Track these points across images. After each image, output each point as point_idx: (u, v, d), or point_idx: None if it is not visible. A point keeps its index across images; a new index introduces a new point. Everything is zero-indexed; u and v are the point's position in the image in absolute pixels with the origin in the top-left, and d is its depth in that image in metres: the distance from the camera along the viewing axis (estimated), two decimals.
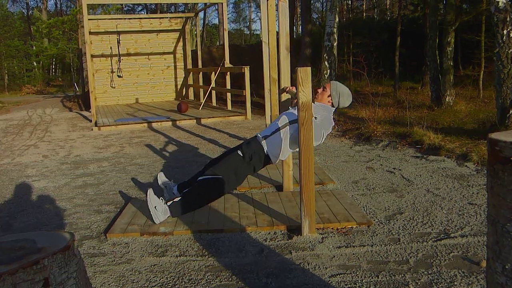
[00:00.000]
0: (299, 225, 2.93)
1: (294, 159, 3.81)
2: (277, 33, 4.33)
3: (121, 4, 27.74)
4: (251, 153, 3.21)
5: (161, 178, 3.62)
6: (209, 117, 9.09)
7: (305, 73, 2.76)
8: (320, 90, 3.38)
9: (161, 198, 3.19)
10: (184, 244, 2.84)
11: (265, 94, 5.31)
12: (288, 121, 3.24)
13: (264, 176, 4.37)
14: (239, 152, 3.22)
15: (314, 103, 3.34)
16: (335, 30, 9.30)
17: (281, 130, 3.23)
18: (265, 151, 3.24)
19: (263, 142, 3.26)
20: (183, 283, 2.34)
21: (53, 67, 33.85)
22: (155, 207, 3.10)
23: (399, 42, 12.99)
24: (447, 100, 8.75)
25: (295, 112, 3.10)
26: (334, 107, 3.35)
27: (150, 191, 3.15)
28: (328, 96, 3.33)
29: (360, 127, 6.73)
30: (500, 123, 5.75)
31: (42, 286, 1.21)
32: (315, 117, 3.03)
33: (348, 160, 5.07)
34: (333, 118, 3.36)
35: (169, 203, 3.15)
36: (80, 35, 15.67)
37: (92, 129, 8.41)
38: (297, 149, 3.23)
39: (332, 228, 3.01)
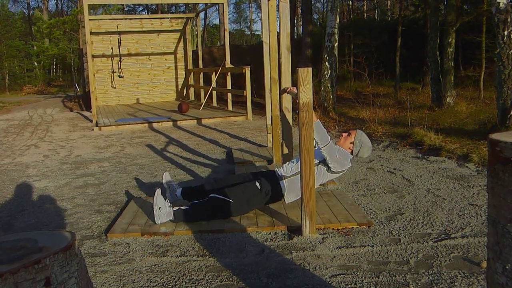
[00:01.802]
0: (300, 225, 2.93)
1: None
2: (278, 33, 4.34)
3: (122, 5, 27.76)
4: (269, 189, 3.27)
5: (166, 177, 3.64)
6: (210, 118, 9.09)
7: (306, 74, 2.76)
8: (344, 135, 3.43)
9: (166, 200, 3.20)
10: (184, 244, 2.85)
11: (265, 95, 5.31)
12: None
13: None
14: (257, 185, 3.26)
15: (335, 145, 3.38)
16: (336, 30, 9.30)
17: (298, 176, 3.24)
18: (282, 192, 3.31)
19: (282, 183, 3.31)
20: (184, 283, 2.34)
21: (54, 67, 33.88)
22: (159, 208, 3.12)
23: (400, 42, 13.01)
24: (447, 100, 8.75)
25: (318, 151, 3.18)
26: (352, 155, 3.39)
27: (158, 191, 3.17)
28: (351, 143, 3.37)
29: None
30: (501, 124, 5.75)
31: (43, 285, 1.21)
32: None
33: None
34: (350, 161, 3.39)
35: (175, 208, 3.17)
36: (81, 35, 15.67)
37: (93, 129, 8.42)
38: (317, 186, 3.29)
39: (333, 229, 3.01)
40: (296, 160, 3.39)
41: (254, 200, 3.26)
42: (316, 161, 3.16)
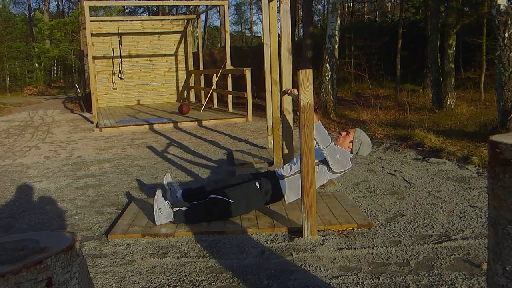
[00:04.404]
0: (300, 227, 2.94)
1: None
2: (279, 35, 4.35)
3: (123, 6, 27.80)
4: (268, 189, 3.27)
5: (167, 178, 3.64)
6: (210, 119, 9.10)
7: (306, 75, 2.77)
8: (343, 134, 3.44)
9: (167, 201, 3.20)
10: (185, 245, 2.85)
11: (266, 96, 5.32)
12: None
13: None
14: (257, 184, 3.27)
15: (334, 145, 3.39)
16: (336, 32, 9.31)
17: (297, 176, 3.24)
18: (281, 190, 3.30)
19: (281, 182, 3.31)
20: (184, 284, 2.34)
21: (55, 68, 33.92)
22: (160, 209, 3.12)
23: (401, 44, 13.01)
24: (448, 102, 8.76)
25: (319, 151, 3.18)
26: (352, 154, 3.39)
27: (159, 192, 3.17)
28: (350, 142, 3.38)
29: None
30: (501, 126, 5.75)
31: (45, 285, 1.22)
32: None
33: None
34: (350, 162, 3.39)
35: (175, 209, 3.17)
36: (82, 36, 15.69)
37: (93, 131, 8.43)
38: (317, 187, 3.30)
39: (333, 230, 3.02)
40: (296, 160, 3.39)
41: (254, 200, 3.26)
42: (316, 161, 3.17)
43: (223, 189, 3.30)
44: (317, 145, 3.15)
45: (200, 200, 3.31)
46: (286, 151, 4.38)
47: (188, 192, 3.52)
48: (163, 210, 3.13)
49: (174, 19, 14.46)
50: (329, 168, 3.26)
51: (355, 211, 3.31)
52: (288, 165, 3.41)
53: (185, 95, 14.12)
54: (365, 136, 3.43)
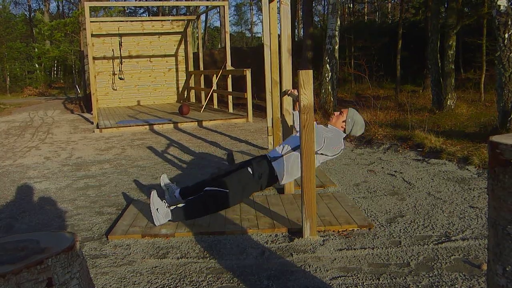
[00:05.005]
0: (300, 227, 2.94)
1: None
2: (279, 35, 4.35)
3: (123, 7, 27.82)
4: (261, 172, 3.25)
5: (164, 180, 3.64)
6: (211, 120, 9.10)
7: (306, 76, 2.77)
8: (336, 114, 3.43)
9: (163, 200, 3.20)
10: (185, 246, 2.85)
11: (266, 97, 5.32)
12: (291, 148, 3.27)
13: None
14: (249, 170, 3.25)
15: (327, 126, 3.38)
16: (336, 33, 9.32)
17: (294, 152, 3.24)
18: (275, 172, 3.29)
19: (273, 163, 3.30)
20: (184, 285, 2.34)
21: (55, 69, 33.92)
22: (157, 209, 3.11)
23: (401, 45, 13.01)
24: (448, 103, 8.76)
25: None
26: (345, 133, 3.39)
27: (154, 193, 3.16)
28: (343, 122, 3.37)
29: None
30: (501, 127, 5.75)
31: (45, 286, 1.22)
32: (327, 136, 3.14)
33: (349, 163, 5.08)
34: (343, 142, 3.38)
35: (172, 207, 3.17)
36: (82, 37, 15.70)
37: (93, 131, 8.43)
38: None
39: (333, 231, 3.02)
40: (286, 142, 3.38)
41: (249, 186, 3.23)
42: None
43: (217, 180, 3.29)
44: (298, 133, 3.16)
45: (196, 195, 3.30)
46: None
47: (186, 190, 3.52)
48: (161, 210, 3.12)
49: (174, 20, 14.47)
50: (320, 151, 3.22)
51: (355, 211, 3.31)
52: (280, 146, 3.40)
53: (185, 95, 14.12)
54: (358, 116, 3.40)
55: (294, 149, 3.25)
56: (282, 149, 3.33)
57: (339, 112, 3.43)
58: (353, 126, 3.36)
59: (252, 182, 3.24)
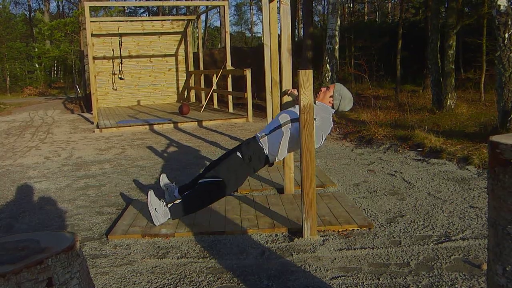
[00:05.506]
0: (300, 227, 2.94)
1: (296, 162, 3.82)
2: (279, 35, 4.35)
3: (123, 7, 27.82)
4: (250, 154, 3.18)
5: (163, 180, 3.63)
6: (211, 120, 9.10)
7: (306, 76, 2.77)
8: (323, 89, 3.37)
9: (161, 200, 3.19)
10: (185, 246, 2.85)
11: (266, 97, 5.31)
12: (289, 119, 3.20)
13: (265, 178, 4.38)
14: (238, 154, 3.20)
15: (315, 103, 3.33)
16: (336, 33, 9.32)
17: (281, 128, 3.18)
18: (264, 151, 3.21)
19: (262, 141, 3.22)
20: (184, 284, 2.34)
21: (55, 69, 33.92)
22: (155, 209, 3.11)
23: (401, 45, 13.00)
24: (448, 103, 8.75)
25: (296, 110, 3.10)
26: (334, 108, 3.33)
27: (151, 193, 3.15)
28: (330, 97, 3.29)
29: (361, 130, 6.74)
30: (501, 126, 5.75)
31: (45, 285, 1.22)
32: (315, 119, 3.02)
33: (350, 163, 5.08)
34: (333, 120, 3.35)
35: (169, 205, 3.16)
36: (82, 37, 15.71)
37: (93, 131, 8.43)
38: (295, 150, 3.23)
39: (333, 231, 3.02)
40: (277, 117, 3.33)
41: (240, 170, 3.18)
42: (294, 118, 3.11)
43: (210, 170, 3.27)
44: (293, 108, 3.14)
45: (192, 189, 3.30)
46: None
47: (184, 187, 3.51)
48: (159, 210, 3.12)
49: (175, 20, 14.46)
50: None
51: (355, 211, 3.31)
52: (268, 125, 3.36)
53: (185, 95, 14.12)
54: (345, 90, 3.34)
55: (292, 121, 3.18)
56: (269, 127, 3.25)
57: (326, 88, 3.36)
58: (341, 101, 3.29)
59: (243, 166, 3.18)
